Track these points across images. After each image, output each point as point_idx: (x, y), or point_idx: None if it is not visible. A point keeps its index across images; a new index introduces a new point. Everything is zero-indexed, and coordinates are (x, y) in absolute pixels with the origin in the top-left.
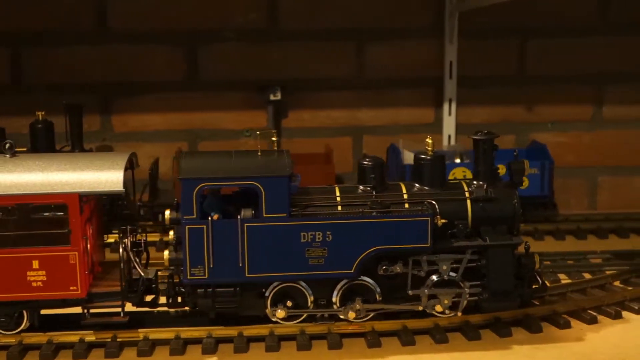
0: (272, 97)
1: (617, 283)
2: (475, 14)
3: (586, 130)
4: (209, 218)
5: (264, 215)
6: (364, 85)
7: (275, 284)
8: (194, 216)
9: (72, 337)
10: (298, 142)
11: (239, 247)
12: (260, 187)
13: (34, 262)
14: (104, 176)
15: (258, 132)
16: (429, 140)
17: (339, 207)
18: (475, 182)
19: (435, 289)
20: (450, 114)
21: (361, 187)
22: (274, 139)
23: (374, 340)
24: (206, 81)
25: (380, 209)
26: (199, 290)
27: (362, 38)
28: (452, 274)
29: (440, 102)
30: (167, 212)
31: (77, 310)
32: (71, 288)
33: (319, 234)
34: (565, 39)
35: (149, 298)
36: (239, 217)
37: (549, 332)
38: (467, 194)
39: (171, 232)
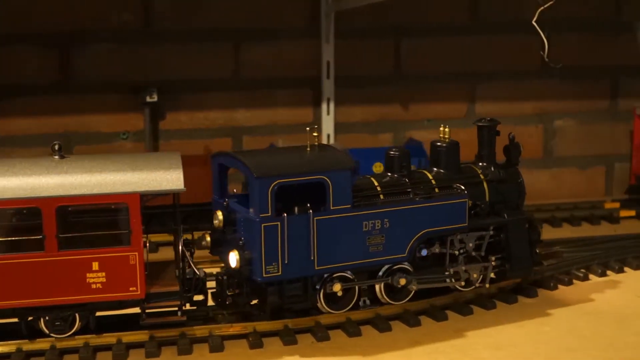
0: (148, 99)
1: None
2: (350, 14)
3: (460, 127)
4: (284, 214)
5: (331, 208)
6: (241, 86)
7: (325, 275)
8: (269, 214)
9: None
10: (176, 144)
11: (310, 241)
12: (328, 181)
13: (93, 263)
14: (164, 175)
15: (308, 129)
16: (446, 129)
17: (381, 196)
18: (480, 164)
19: (468, 265)
20: (328, 113)
21: (389, 174)
22: (315, 134)
23: (256, 341)
24: (80, 83)
25: (424, 194)
26: (270, 287)
27: (239, 38)
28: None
29: (318, 102)
30: (219, 214)
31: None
32: (131, 289)
33: (377, 222)
34: (439, 39)
35: (197, 298)
36: (309, 211)
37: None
38: (482, 176)
39: (207, 237)
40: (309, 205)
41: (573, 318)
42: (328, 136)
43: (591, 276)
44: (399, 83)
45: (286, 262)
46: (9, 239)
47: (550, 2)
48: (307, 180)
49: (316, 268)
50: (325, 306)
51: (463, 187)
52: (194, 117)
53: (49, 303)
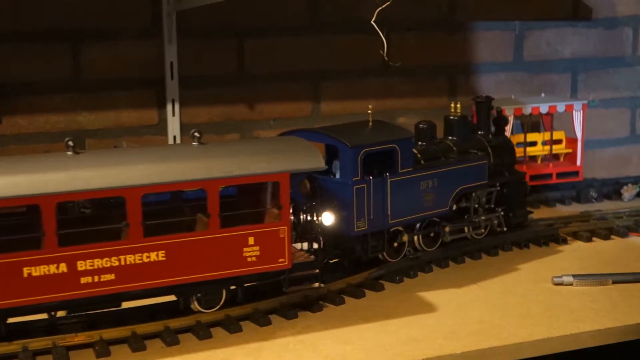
0: None
1: None
2: (193, 14)
3: (307, 125)
4: (369, 177)
5: (400, 171)
6: (82, 88)
7: (391, 230)
8: (359, 177)
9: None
10: (15, 149)
11: (387, 199)
12: (398, 148)
13: (249, 238)
14: (307, 155)
15: (370, 107)
16: (457, 105)
17: (422, 161)
18: (480, 132)
19: (488, 215)
20: (174, 114)
21: (419, 143)
22: (369, 111)
23: (102, 350)
24: None
25: (458, 157)
26: (357, 240)
27: (78, 39)
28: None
29: (163, 103)
30: (307, 183)
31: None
32: (280, 260)
33: (429, 182)
34: (281, 39)
35: None
36: (386, 174)
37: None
38: (486, 143)
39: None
40: (375, 170)
41: (417, 309)
42: (174, 137)
43: (435, 268)
44: (243, 83)
45: (371, 217)
46: (173, 220)
47: (388, 3)
48: (384, 148)
49: (390, 222)
50: (386, 257)
51: (477, 152)
52: (33, 121)
53: (208, 278)
